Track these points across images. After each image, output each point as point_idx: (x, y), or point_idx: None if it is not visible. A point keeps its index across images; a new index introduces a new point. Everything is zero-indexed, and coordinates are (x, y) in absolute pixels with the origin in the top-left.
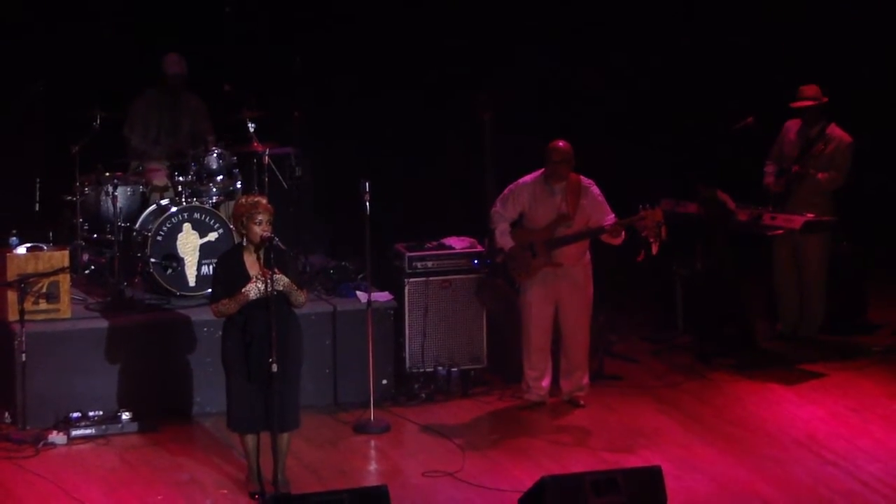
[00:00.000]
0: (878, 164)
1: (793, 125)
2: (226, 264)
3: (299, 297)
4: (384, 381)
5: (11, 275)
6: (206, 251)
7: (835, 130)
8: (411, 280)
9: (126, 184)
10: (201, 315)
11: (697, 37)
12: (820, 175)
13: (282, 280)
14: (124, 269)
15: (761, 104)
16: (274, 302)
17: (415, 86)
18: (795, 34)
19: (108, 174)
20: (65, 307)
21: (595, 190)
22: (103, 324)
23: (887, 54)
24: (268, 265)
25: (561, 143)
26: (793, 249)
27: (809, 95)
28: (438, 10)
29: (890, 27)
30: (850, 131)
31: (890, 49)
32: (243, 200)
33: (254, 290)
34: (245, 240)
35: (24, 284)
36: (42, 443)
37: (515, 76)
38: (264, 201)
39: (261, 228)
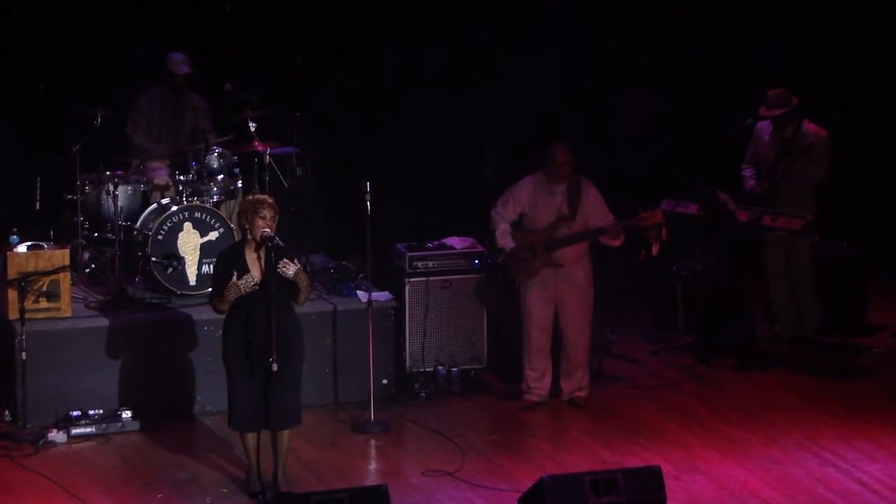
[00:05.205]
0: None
1: (765, 126)
2: (226, 260)
3: (307, 289)
4: (384, 381)
5: (12, 273)
6: (206, 250)
7: (810, 127)
8: (412, 280)
9: (127, 182)
10: (202, 314)
11: (697, 35)
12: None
13: (291, 268)
14: (125, 267)
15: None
16: (274, 299)
17: (418, 83)
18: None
19: (108, 173)
20: (65, 306)
21: (595, 191)
22: (104, 322)
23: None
24: (268, 263)
25: (563, 145)
26: (785, 250)
27: (778, 102)
28: (440, 5)
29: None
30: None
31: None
32: (250, 197)
33: (249, 280)
34: (248, 236)
35: (24, 283)
36: (42, 441)
37: (517, 74)
38: (270, 200)
39: (264, 223)
